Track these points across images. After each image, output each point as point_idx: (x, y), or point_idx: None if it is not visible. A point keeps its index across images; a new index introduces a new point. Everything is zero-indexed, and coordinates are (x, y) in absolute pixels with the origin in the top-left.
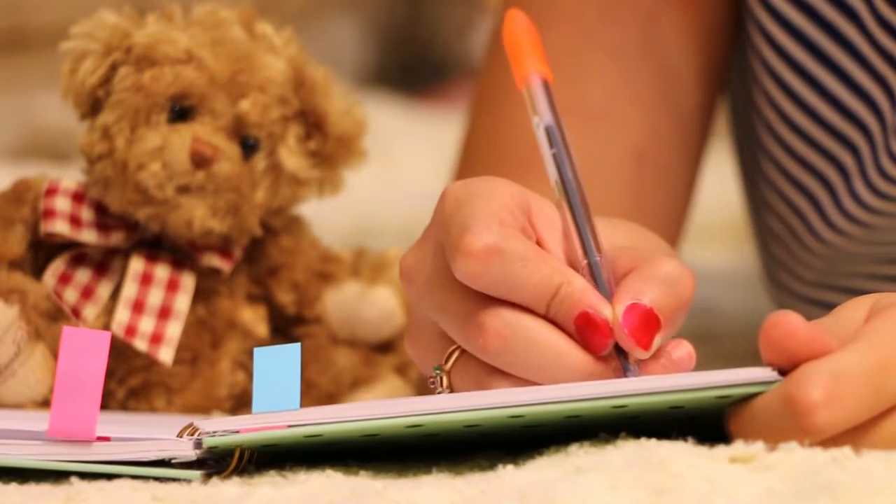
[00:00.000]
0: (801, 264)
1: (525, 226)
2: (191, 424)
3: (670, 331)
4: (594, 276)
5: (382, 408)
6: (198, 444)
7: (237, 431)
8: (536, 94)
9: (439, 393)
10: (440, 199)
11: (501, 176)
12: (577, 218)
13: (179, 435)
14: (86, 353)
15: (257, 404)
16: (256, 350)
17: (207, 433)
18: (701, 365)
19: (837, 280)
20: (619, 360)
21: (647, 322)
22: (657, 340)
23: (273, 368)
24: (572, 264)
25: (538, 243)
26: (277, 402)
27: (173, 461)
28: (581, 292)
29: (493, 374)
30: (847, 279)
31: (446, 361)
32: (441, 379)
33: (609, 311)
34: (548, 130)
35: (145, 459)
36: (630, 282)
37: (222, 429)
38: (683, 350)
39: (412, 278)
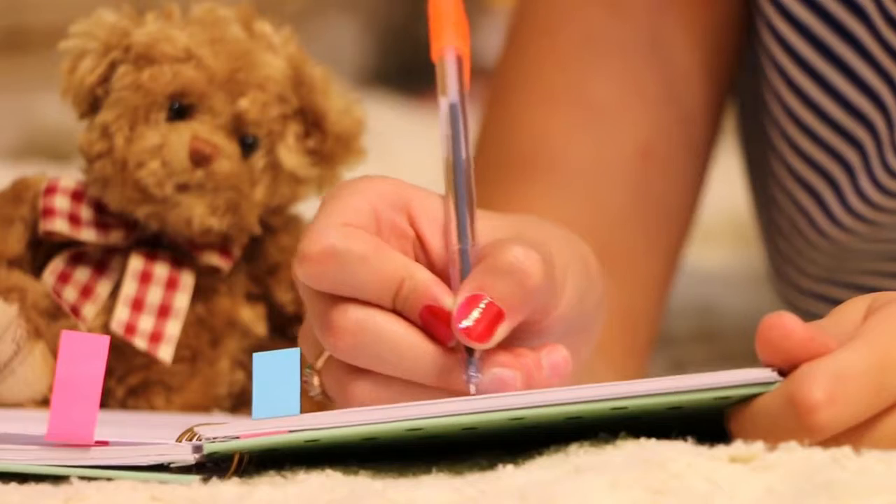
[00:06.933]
0: (806, 260)
1: (397, 222)
2: (190, 429)
3: (517, 320)
4: (462, 263)
5: (382, 412)
6: (196, 449)
7: (237, 437)
8: (448, 70)
9: (312, 394)
10: None
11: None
12: (458, 203)
13: (178, 440)
14: (84, 356)
15: (257, 410)
16: (256, 355)
17: (208, 439)
18: (701, 365)
19: (843, 276)
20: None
21: (486, 314)
22: (500, 331)
23: (273, 373)
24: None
25: (418, 238)
26: (277, 408)
27: (171, 465)
28: (425, 285)
29: (351, 372)
30: (852, 275)
31: (317, 361)
32: (313, 378)
33: (452, 303)
34: (451, 109)
35: (144, 465)
36: (473, 273)
37: (223, 435)
38: (557, 354)
39: (297, 280)
